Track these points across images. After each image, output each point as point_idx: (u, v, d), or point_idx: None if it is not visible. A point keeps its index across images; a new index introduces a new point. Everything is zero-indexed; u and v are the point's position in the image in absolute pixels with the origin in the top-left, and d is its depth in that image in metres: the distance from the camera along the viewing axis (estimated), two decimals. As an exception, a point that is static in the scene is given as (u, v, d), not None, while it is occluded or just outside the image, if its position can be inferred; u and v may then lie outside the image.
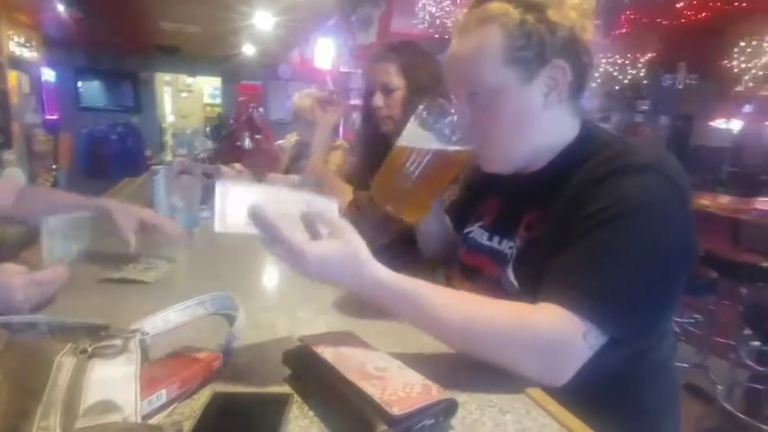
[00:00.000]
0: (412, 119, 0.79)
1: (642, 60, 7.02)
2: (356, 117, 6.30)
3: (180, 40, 7.29)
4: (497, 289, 0.75)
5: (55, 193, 1.15)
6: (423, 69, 1.29)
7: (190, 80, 10.14)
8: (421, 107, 0.78)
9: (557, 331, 0.57)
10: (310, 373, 0.55)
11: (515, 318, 0.59)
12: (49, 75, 7.08)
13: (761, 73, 6.25)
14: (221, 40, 6.99)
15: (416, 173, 0.76)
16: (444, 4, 5.34)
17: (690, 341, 2.67)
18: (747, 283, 2.41)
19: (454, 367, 0.62)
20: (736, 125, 8.73)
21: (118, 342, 0.52)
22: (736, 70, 6.57)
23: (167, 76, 9.80)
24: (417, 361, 0.61)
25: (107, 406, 0.44)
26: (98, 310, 0.78)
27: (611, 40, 5.73)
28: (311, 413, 0.51)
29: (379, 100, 1.34)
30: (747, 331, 2.14)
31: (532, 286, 0.65)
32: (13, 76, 5.45)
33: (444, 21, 5.32)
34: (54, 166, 6.34)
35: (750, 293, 2.39)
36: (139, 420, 0.44)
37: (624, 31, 5.77)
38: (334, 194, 0.92)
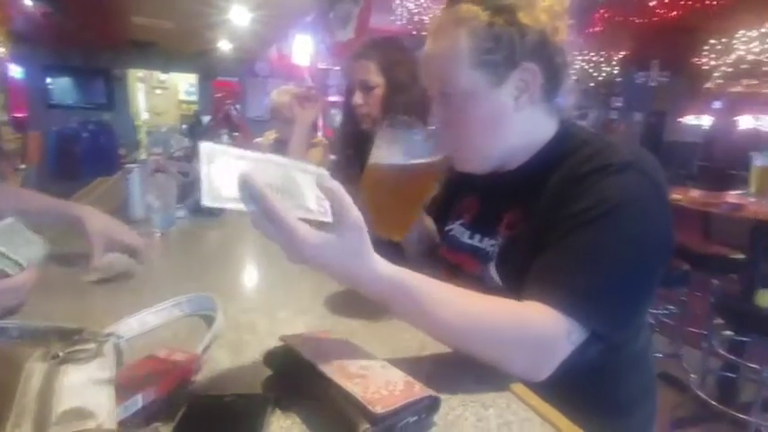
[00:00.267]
0: (377, 137, 0.75)
1: (616, 58, 7.18)
2: (335, 114, 6.28)
3: (153, 35, 7.13)
4: (480, 286, 0.75)
5: (23, 194, 1.10)
6: (402, 67, 1.29)
7: (164, 77, 9.92)
8: (386, 123, 0.76)
9: (544, 329, 0.58)
10: (292, 373, 0.54)
11: (508, 316, 0.59)
12: (16, 71, 6.85)
13: (730, 70, 6.46)
14: (196, 36, 6.87)
15: (388, 191, 0.73)
16: (422, 0, 5.36)
17: (664, 332, 2.74)
18: (718, 275, 2.49)
19: (436, 365, 0.62)
20: (706, 121, 9.02)
21: (91, 346, 0.50)
22: (706, 68, 6.77)
23: (141, 73, 9.57)
24: (400, 359, 0.61)
25: (80, 412, 0.42)
26: (72, 313, 0.76)
27: (586, 39, 5.83)
28: (293, 414, 0.50)
29: (358, 97, 1.33)
30: (719, 321, 2.21)
31: (515, 283, 0.66)
32: (-23, 73, 5.26)
33: (422, 17, 5.34)
34: (22, 166, 6.13)
35: (721, 284, 2.47)
36: (115, 427, 0.43)
37: (598, 29, 5.88)
38: None
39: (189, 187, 1.46)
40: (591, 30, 5.82)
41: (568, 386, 0.56)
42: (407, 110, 1.27)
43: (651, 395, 0.81)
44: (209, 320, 0.71)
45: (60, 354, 0.47)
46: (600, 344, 0.61)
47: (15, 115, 6.54)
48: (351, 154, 1.42)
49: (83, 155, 7.74)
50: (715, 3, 5.23)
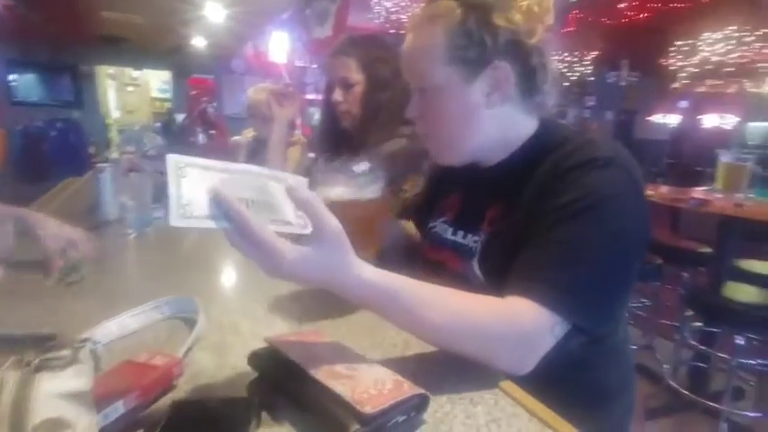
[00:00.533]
0: (318, 170, 0.78)
1: (588, 58, 7.35)
2: (313, 112, 6.23)
3: (125, 30, 6.92)
4: (463, 283, 0.75)
5: None
6: (383, 64, 1.28)
7: (136, 73, 9.62)
8: (323, 158, 0.77)
9: (528, 324, 0.58)
10: (277, 374, 0.53)
11: (493, 313, 0.60)
12: (-24, 67, 6.56)
13: (695, 70, 6.68)
14: (170, 32, 6.69)
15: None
16: (399, -1, 5.37)
17: (637, 324, 2.82)
18: (688, 268, 2.57)
19: (422, 363, 0.62)
20: (673, 120, 9.32)
21: (66, 353, 0.48)
22: (673, 68, 7.00)
23: (111, 69, 9.26)
24: (386, 358, 0.61)
25: (57, 423, 0.40)
26: (46, 319, 0.72)
27: (559, 39, 5.94)
28: (280, 416, 0.49)
29: (338, 95, 1.32)
30: (689, 313, 2.28)
31: (498, 279, 0.66)
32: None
33: (400, 16, 5.34)
34: (-15, 166, 5.88)
35: (691, 277, 2.56)
36: (94, 436, 0.41)
37: (572, 29, 5.99)
38: None
39: (166, 186, 1.43)
40: (564, 30, 5.93)
41: (550, 378, 0.56)
42: (387, 107, 1.27)
43: (630, 386, 0.83)
44: (190, 323, 0.69)
45: (34, 361, 0.45)
46: (582, 337, 0.62)
47: (-24, 113, 6.26)
48: (330, 151, 1.40)
49: (51, 154, 7.45)
50: (681, 6, 5.40)
